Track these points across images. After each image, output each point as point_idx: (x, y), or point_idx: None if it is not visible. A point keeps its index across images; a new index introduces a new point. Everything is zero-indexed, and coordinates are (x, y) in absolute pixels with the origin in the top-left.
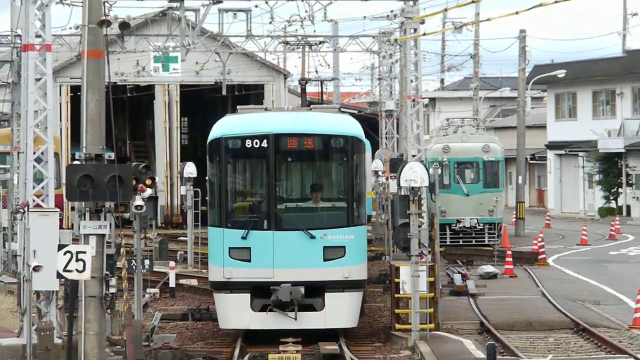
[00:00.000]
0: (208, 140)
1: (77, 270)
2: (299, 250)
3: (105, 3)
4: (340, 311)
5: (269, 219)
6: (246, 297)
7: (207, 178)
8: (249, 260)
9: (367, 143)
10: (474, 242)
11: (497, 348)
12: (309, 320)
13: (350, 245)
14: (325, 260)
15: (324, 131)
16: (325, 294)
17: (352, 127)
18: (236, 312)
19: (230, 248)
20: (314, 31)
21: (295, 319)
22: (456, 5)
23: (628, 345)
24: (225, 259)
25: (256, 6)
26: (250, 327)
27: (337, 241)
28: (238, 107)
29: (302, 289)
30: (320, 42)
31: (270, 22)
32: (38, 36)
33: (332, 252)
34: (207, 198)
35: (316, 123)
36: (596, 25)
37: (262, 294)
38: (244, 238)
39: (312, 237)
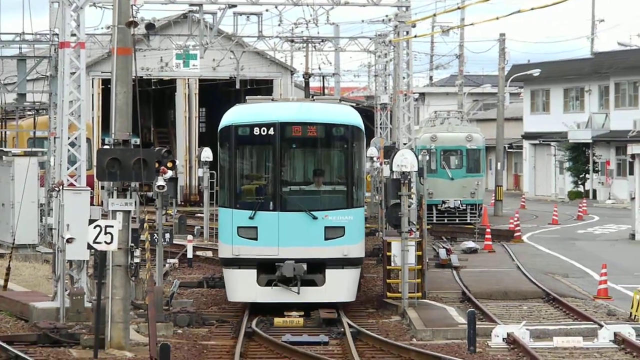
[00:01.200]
0: (219, 128)
1: (105, 242)
2: (302, 230)
3: (133, 6)
4: (339, 286)
5: (275, 200)
6: (253, 272)
7: (218, 163)
8: (256, 239)
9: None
10: (457, 221)
11: (476, 315)
12: (310, 295)
13: (349, 225)
14: (326, 239)
15: (326, 120)
16: (326, 270)
17: (352, 117)
18: (244, 286)
19: (238, 227)
20: (318, 32)
21: (298, 293)
22: (444, 11)
23: (593, 313)
24: (234, 237)
25: (267, 10)
26: (256, 300)
27: (337, 222)
28: (247, 97)
29: (305, 266)
30: (322, 40)
31: (279, 24)
32: (73, 35)
33: (333, 232)
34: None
35: (319, 113)
36: (568, 29)
37: (267, 270)
38: (251, 218)
39: (314, 217)
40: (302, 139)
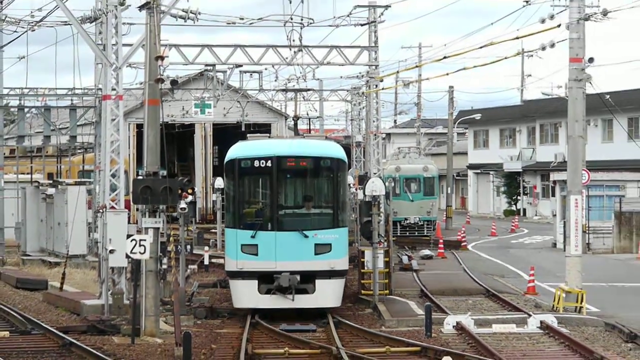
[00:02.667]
0: (225, 161)
1: (139, 252)
2: (296, 247)
3: (160, 66)
4: (327, 294)
5: (272, 222)
6: (254, 283)
7: (224, 190)
8: (257, 254)
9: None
10: (416, 234)
11: (432, 307)
12: (303, 301)
13: (335, 242)
14: (315, 254)
15: (315, 154)
16: (316, 280)
17: (337, 151)
18: (247, 295)
19: (242, 245)
20: (306, 86)
21: (293, 300)
22: (405, 69)
23: (523, 305)
24: (238, 253)
25: (265, 69)
26: (257, 306)
27: (325, 239)
28: (248, 135)
29: (298, 277)
30: (308, 91)
31: (275, 80)
32: (113, 89)
33: (321, 248)
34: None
35: (309, 147)
36: (503, 82)
37: (267, 280)
38: (252, 237)
39: (306, 236)
40: (295, 169)
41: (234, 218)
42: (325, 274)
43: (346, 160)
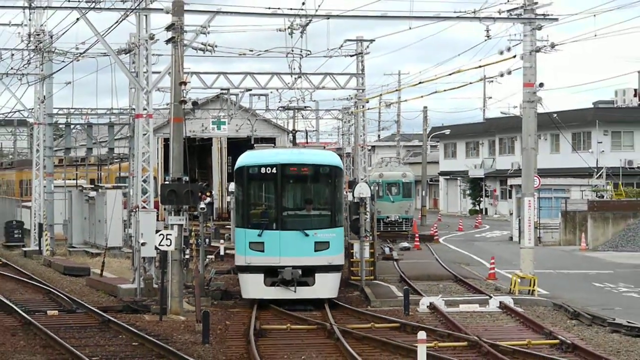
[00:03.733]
0: (235, 168)
1: (166, 244)
2: (298, 244)
3: (183, 90)
4: (325, 286)
5: (277, 222)
6: (261, 276)
7: (234, 194)
8: (263, 251)
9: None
10: (396, 229)
11: (409, 290)
12: (304, 292)
13: (332, 241)
14: (315, 251)
15: (315, 162)
16: (316, 274)
17: (334, 159)
18: (254, 287)
19: (250, 242)
20: (305, 106)
21: (295, 291)
22: (387, 92)
23: (485, 288)
24: (246, 250)
25: (271, 92)
26: (263, 297)
27: (324, 238)
28: (255, 145)
29: (300, 271)
30: (304, 109)
31: (279, 101)
32: (144, 109)
33: (320, 246)
34: (233, 207)
35: (309, 156)
36: (469, 103)
37: (271, 274)
38: (259, 235)
39: (307, 235)
40: (297, 175)
41: (242, 218)
42: (323, 268)
43: (342, 167)
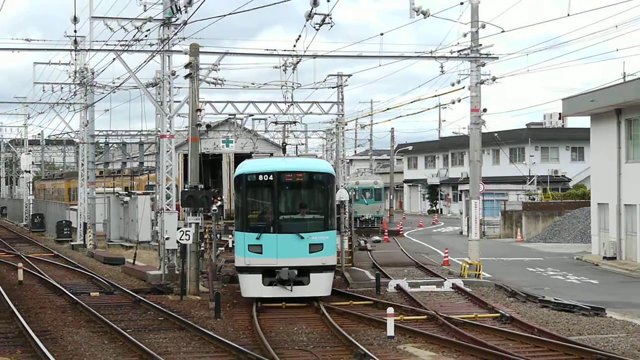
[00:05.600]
0: (234, 176)
1: (185, 239)
2: (293, 246)
3: (199, 116)
4: (319, 285)
5: (274, 226)
6: (259, 276)
7: (234, 200)
8: (261, 253)
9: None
10: (370, 226)
11: (380, 275)
12: (299, 291)
13: (326, 243)
14: (310, 252)
15: (309, 169)
16: (310, 274)
17: (327, 167)
18: (253, 286)
19: (249, 245)
20: (296, 126)
21: (291, 290)
22: (361, 116)
23: (441, 273)
24: (245, 252)
25: (269, 117)
26: (262, 295)
27: (318, 240)
28: (252, 154)
29: (296, 271)
30: (292, 123)
31: (276, 124)
32: (167, 131)
33: (315, 247)
34: (234, 212)
35: (303, 164)
36: (427, 125)
37: (269, 274)
38: (257, 238)
39: (302, 237)
40: (292, 182)
41: (242, 223)
42: (318, 268)
43: (334, 174)
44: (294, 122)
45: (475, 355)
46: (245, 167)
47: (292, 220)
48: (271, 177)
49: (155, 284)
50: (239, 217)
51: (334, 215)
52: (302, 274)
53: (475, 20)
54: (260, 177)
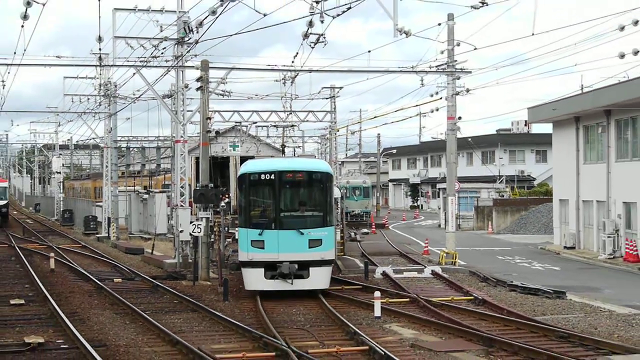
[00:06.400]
0: (238, 175)
1: (197, 231)
2: (294, 242)
3: (209, 123)
4: (318, 279)
5: (275, 222)
6: (261, 270)
7: (237, 198)
8: (263, 248)
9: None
10: (359, 220)
11: (368, 262)
12: (300, 284)
13: (324, 238)
14: (309, 247)
15: (308, 168)
16: (310, 268)
17: (325, 166)
18: (255, 280)
19: (251, 240)
20: (294, 133)
21: (292, 284)
22: (351, 123)
23: (421, 261)
24: (248, 247)
25: (270, 124)
26: (264, 288)
27: (317, 236)
28: (254, 154)
29: (296, 265)
30: (291, 126)
31: (276, 131)
32: (181, 137)
33: (314, 243)
34: (235, 211)
35: (303, 163)
36: (409, 130)
37: (271, 268)
38: (260, 234)
39: (302, 233)
40: (292, 181)
41: (245, 219)
42: (317, 263)
43: (332, 173)
44: (292, 126)
45: (452, 333)
46: (248, 166)
47: (293, 217)
48: (273, 176)
49: (170, 271)
50: (242, 214)
51: (332, 212)
52: (302, 268)
53: (451, 39)
54: (263, 176)
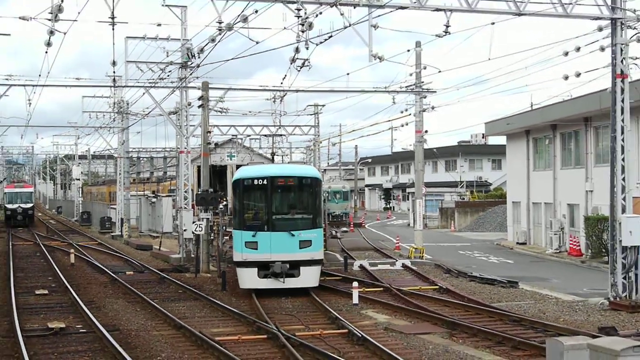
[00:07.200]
0: (232, 180)
1: (199, 230)
2: (285, 243)
3: (209, 136)
4: (309, 277)
5: (268, 225)
6: (255, 270)
7: (232, 202)
8: (257, 249)
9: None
10: (339, 220)
11: (347, 256)
12: (291, 283)
13: (314, 239)
14: (300, 248)
15: (298, 174)
16: (300, 267)
17: (314, 172)
18: (249, 278)
19: (245, 242)
20: (283, 144)
21: (284, 282)
22: (333, 136)
23: (393, 255)
24: (243, 248)
25: (262, 137)
26: (257, 287)
27: (307, 237)
28: (248, 161)
29: (288, 265)
30: (280, 135)
31: (267, 142)
32: (185, 148)
33: (304, 244)
34: (232, 213)
35: (294, 169)
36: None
37: (264, 268)
38: (253, 236)
39: (293, 235)
40: (284, 186)
41: (239, 222)
42: (307, 262)
43: (321, 179)
44: (281, 135)
45: (420, 318)
46: (242, 172)
47: (284, 220)
48: (265, 182)
49: (175, 264)
50: (236, 217)
51: (321, 215)
52: (293, 268)
53: (419, 63)
54: (256, 182)
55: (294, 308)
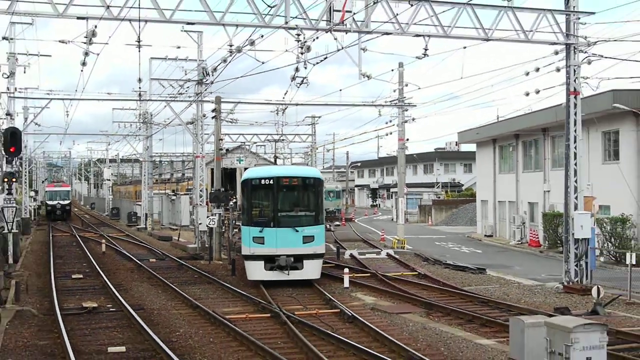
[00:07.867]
0: (241, 180)
1: (212, 224)
2: (290, 238)
3: (221, 143)
4: (311, 270)
5: (274, 221)
6: (262, 263)
7: (241, 200)
8: (264, 243)
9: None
10: (333, 215)
11: (339, 247)
12: (295, 275)
13: (316, 235)
14: (304, 243)
15: (302, 175)
16: (304, 261)
17: (317, 173)
18: (256, 271)
19: (253, 237)
20: (284, 150)
21: (288, 274)
22: (327, 143)
23: (379, 245)
24: (250, 243)
25: (267, 144)
26: (264, 279)
27: (310, 233)
28: (255, 164)
29: (292, 259)
30: (281, 140)
31: (271, 149)
32: (200, 153)
33: (307, 239)
34: (240, 209)
35: (298, 171)
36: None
37: (270, 261)
38: (260, 232)
39: (297, 231)
40: (288, 186)
41: (247, 218)
42: (310, 256)
43: (323, 179)
44: (282, 140)
45: (402, 299)
46: (250, 173)
47: (289, 217)
48: (271, 182)
49: (192, 253)
50: (244, 214)
51: (323, 212)
52: (297, 261)
53: (401, 81)
54: (263, 182)
55: (293, 291)
